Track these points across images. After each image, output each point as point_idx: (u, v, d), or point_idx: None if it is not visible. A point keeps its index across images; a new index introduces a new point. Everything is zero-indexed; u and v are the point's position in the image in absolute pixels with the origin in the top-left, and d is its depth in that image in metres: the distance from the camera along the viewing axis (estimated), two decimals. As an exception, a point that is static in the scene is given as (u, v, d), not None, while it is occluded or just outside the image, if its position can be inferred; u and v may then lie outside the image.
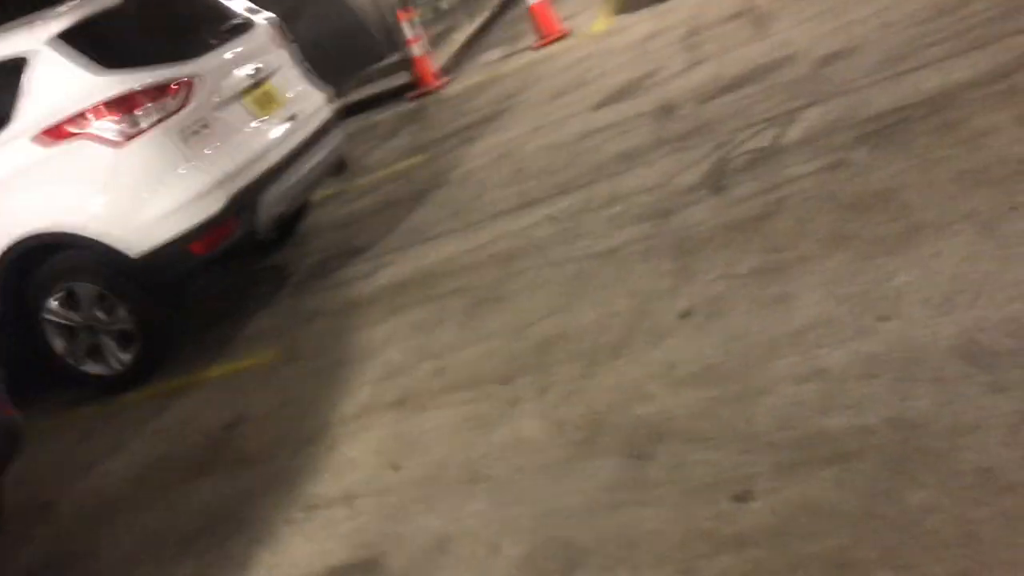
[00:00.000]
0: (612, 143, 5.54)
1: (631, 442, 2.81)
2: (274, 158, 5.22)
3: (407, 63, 9.93)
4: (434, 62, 10.09)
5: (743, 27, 6.66)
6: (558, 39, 9.22)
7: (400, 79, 10.20)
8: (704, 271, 3.61)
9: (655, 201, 4.47)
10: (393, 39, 10.11)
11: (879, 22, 5.37)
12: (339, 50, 11.39)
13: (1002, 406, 2.31)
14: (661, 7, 8.50)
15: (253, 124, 5.22)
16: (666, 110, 5.66)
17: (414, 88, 9.84)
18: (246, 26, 5.66)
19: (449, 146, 7.18)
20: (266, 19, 5.87)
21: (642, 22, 8.33)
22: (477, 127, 7.37)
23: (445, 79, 9.81)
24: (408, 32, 9.71)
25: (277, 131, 5.34)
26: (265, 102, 5.39)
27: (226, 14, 5.71)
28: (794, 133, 4.49)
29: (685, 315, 3.36)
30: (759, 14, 6.75)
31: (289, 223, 6.34)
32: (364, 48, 11.33)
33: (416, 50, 9.72)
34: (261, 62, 5.48)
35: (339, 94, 11.26)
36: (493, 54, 10.25)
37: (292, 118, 5.52)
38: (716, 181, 4.37)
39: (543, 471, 2.88)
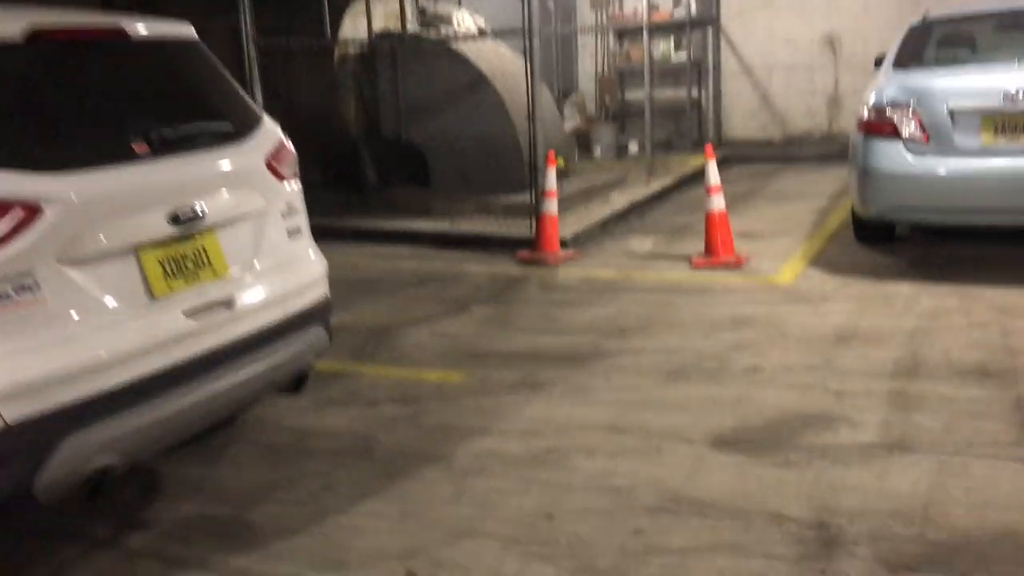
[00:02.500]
0: (702, 558, 3.11)
1: None
2: (141, 369, 3.03)
3: (535, 213, 7.78)
4: (569, 225, 7.92)
5: (988, 401, 4.13)
6: (725, 266, 6.87)
7: (519, 228, 8.05)
8: None
9: None
10: (536, 175, 7.99)
11: None
12: (476, 161, 9.43)
13: None
14: (879, 287, 6.05)
15: (134, 303, 3.07)
16: (822, 540, 3.17)
17: (530, 246, 7.67)
18: (231, 134, 3.57)
19: (498, 380, 4.86)
20: (272, 128, 3.76)
21: (842, 296, 5.88)
22: (553, 364, 5.04)
23: (569, 253, 7.58)
24: (551, 182, 7.58)
25: (175, 322, 3.16)
26: (183, 268, 3.25)
27: (211, 101, 3.63)
28: None
29: None
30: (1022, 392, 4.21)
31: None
32: (505, 170, 9.29)
33: (549, 205, 7.56)
34: (214, 199, 3.37)
35: (454, 212, 9.33)
36: (642, 244, 7.97)
37: (224, 303, 3.35)
38: None
39: None
